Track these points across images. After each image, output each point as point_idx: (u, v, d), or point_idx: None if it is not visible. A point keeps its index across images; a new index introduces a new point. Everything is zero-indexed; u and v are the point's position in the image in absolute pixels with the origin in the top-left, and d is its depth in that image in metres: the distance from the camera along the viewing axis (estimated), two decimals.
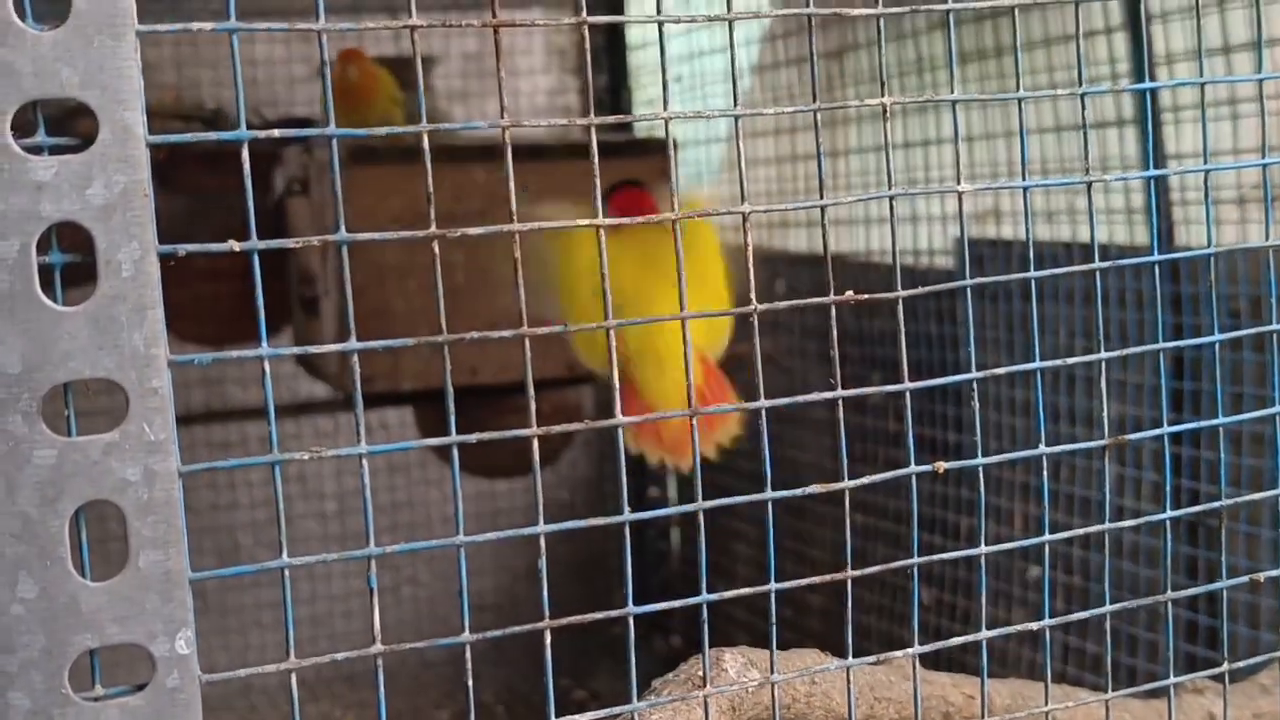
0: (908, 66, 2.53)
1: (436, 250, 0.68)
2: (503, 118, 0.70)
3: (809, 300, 0.73)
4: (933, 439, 2.44)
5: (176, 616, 0.63)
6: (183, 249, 0.63)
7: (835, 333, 0.74)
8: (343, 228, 0.66)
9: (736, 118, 0.74)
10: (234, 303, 2.68)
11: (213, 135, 0.64)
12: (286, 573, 0.65)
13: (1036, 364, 0.76)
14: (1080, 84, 0.77)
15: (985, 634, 0.77)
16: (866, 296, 0.72)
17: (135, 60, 0.61)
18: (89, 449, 0.61)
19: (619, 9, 3.18)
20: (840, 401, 0.74)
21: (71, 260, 0.63)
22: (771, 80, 2.95)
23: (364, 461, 0.67)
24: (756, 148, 3.06)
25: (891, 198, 0.73)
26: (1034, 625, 0.79)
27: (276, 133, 0.65)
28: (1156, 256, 0.82)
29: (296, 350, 0.66)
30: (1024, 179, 0.78)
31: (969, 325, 0.79)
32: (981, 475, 0.78)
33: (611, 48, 3.23)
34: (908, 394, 0.74)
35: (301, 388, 3.04)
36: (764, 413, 0.75)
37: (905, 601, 2.46)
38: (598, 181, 0.72)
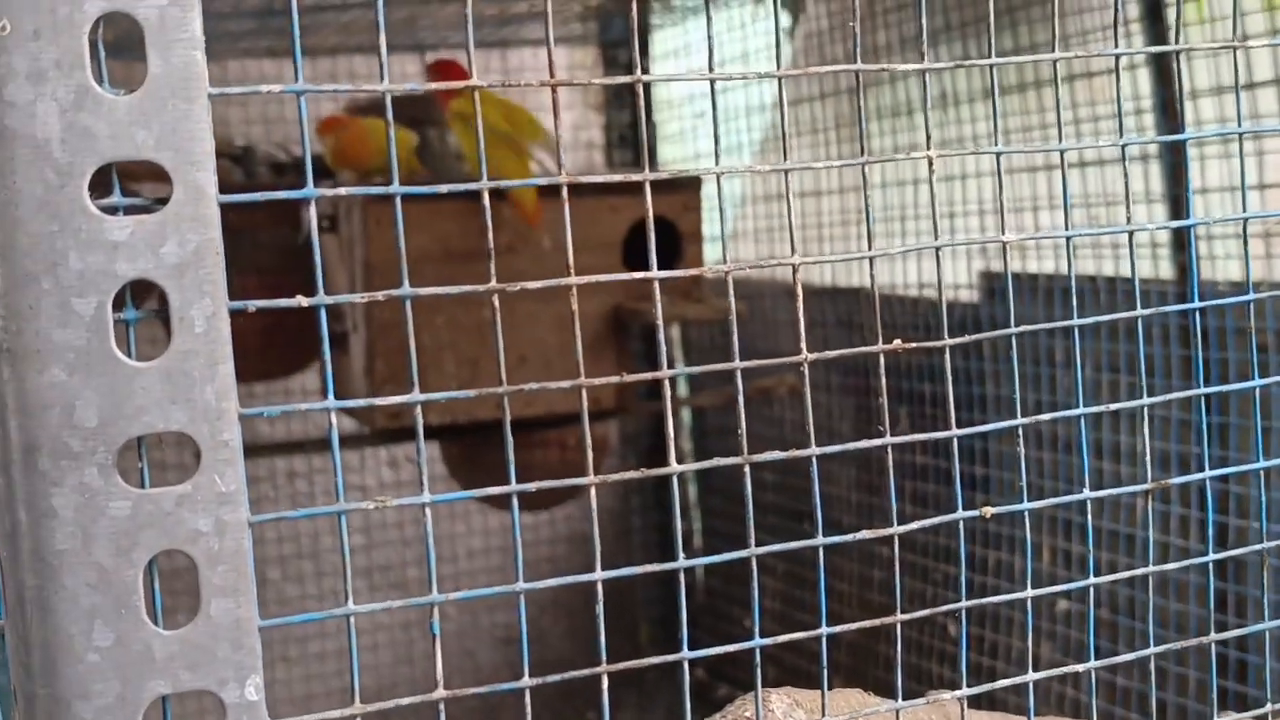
0: (934, 100, 2.55)
1: (496, 304, 0.70)
2: (560, 173, 0.72)
3: (858, 350, 0.74)
4: (961, 473, 2.45)
5: (246, 663, 0.64)
6: (253, 305, 0.65)
7: (884, 383, 0.75)
8: (406, 281, 0.68)
9: (786, 172, 0.76)
10: (259, 339, 2.71)
11: (282, 195, 0.66)
12: (352, 620, 0.67)
13: (1080, 410, 0.78)
14: (1120, 134, 0.78)
15: (1032, 675, 0.78)
16: (914, 345, 0.73)
17: (207, 122, 0.63)
18: (162, 500, 0.63)
19: (645, 43, 3.21)
20: (889, 449, 0.76)
21: (145, 317, 0.64)
22: (795, 114, 2.97)
23: (427, 511, 0.69)
24: (776, 183, 3.08)
25: (938, 248, 0.75)
26: (1079, 667, 0.80)
27: (343, 191, 0.67)
28: (1196, 303, 0.83)
29: (363, 403, 0.67)
30: (1066, 228, 0.79)
31: (1013, 371, 0.80)
32: (1027, 519, 0.79)
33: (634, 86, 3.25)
34: (955, 441, 0.75)
35: (326, 421, 3.05)
36: (814, 460, 0.76)
37: (935, 635, 2.47)
38: (651, 240, 0.74)
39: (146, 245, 0.63)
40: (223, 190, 0.64)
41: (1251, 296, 0.86)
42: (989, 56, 0.77)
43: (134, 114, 0.62)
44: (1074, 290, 0.80)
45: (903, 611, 0.79)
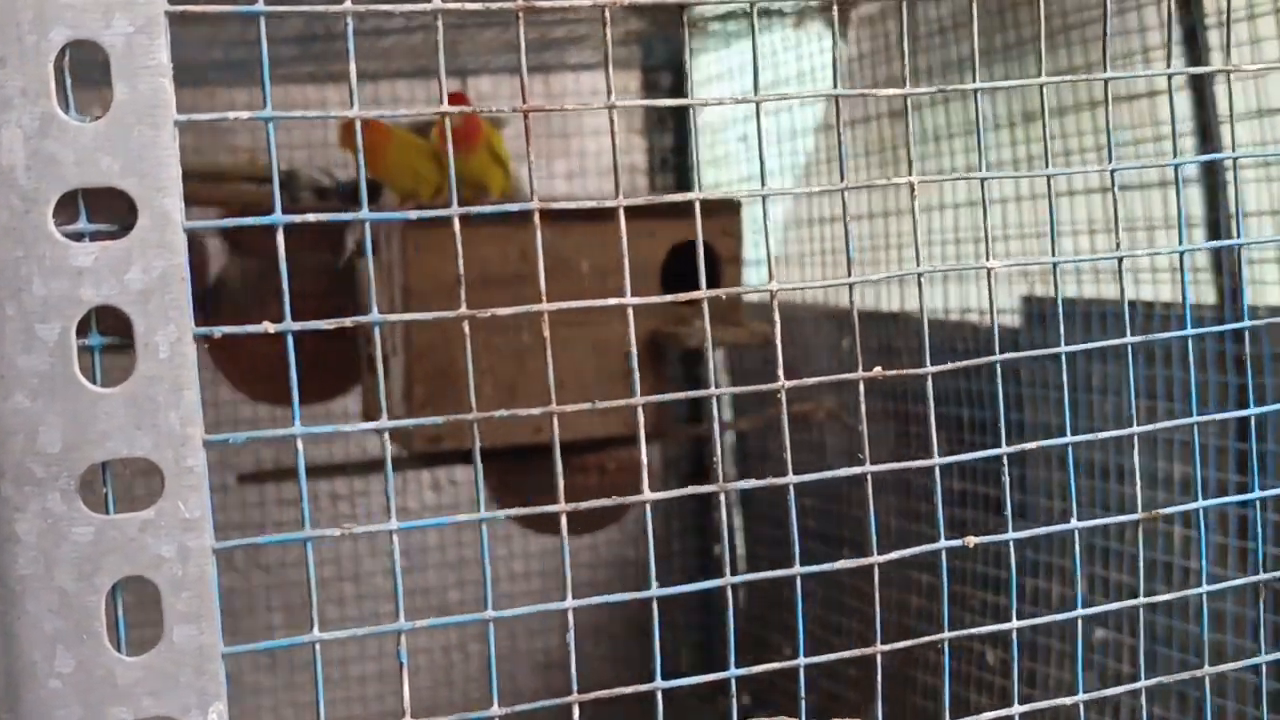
0: (955, 129, 2.54)
1: (467, 330, 0.70)
2: (617, 195, 0.72)
3: (836, 377, 0.74)
4: (998, 499, 2.43)
5: (209, 690, 0.64)
6: (218, 331, 0.65)
7: (932, 408, 0.74)
8: (374, 308, 0.68)
9: (844, 191, 0.75)
10: (303, 362, 2.72)
11: (247, 221, 0.66)
12: (317, 647, 0.67)
13: (1068, 439, 0.76)
14: (1110, 159, 0.77)
15: (1082, 696, 0.77)
16: (894, 373, 0.72)
17: (173, 148, 0.63)
18: (126, 526, 0.63)
19: (680, 70, 3.21)
20: (935, 470, 0.75)
21: (111, 343, 0.65)
22: (832, 140, 2.96)
23: (394, 538, 0.69)
24: (815, 207, 3.08)
25: (920, 274, 0.74)
26: (1134, 686, 0.78)
27: (311, 217, 0.67)
28: (1229, 325, 0.82)
29: (329, 429, 0.67)
30: (1054, 254, 0.78)
31: (1052, 395, 0.79)
32: (1077, 540, 0.77)
33: (677, 108, 3.26)
34: (1005, 459, 0.74)
35: (370, 444, 3.07)
36: (869, 477, 0.74)
37: (973, 663, 2.44)
38: (701, 257, 0.73)
39: (111, 271, 0.63)
40: (262, 213, 0.64)
41: None
42: (1038, 76, 0.76)
43: (100, 140, 0.62)
44: (1125, 310, 0.79)
45: (950, 639, 0.78)
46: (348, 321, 0.67)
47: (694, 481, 3.25)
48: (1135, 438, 0.82)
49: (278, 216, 0.66)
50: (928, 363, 0.73)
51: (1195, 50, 2.01)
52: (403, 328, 2.58)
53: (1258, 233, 1.96)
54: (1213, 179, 2.08)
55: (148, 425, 0.63)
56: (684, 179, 3.23)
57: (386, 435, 0.69)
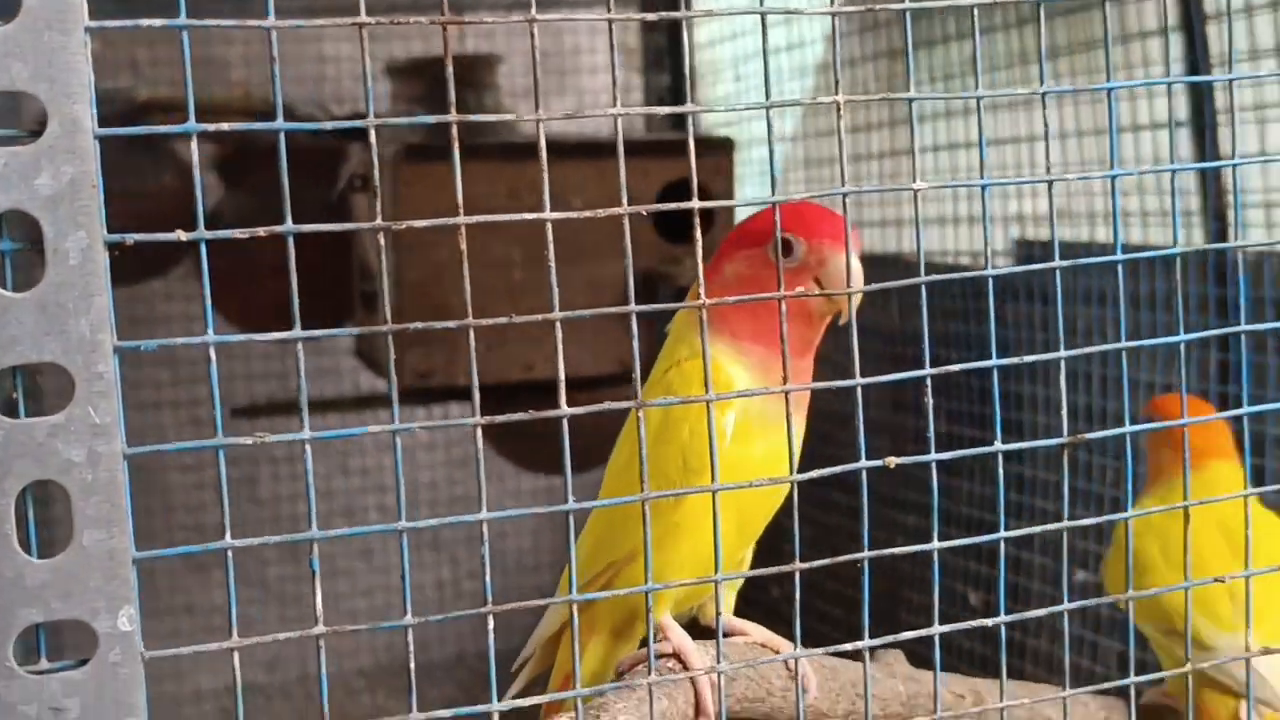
0: (966, 66, 2.53)
1: (382, 241, 0.70)
2: (616, 106, 0.71)
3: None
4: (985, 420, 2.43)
5: (119, 594, 0.65)
6: (130, 238, 0.65)
7: (930, 404, 0.74)
8: (289, 219, 0.68)
9: (838, 105, 0.75)
10: (302, 298, 2.72)
11: (162, 129, 0.66)
12: (230, 554, 0.67)
13: (994, 361, 0.77)
14: (1041, 84, 0.77)
15: (1067, 606, 0.79)
16: (880, 285, 0.72)
17: (85, 54, 0.63)
18: (34, 430, 0.64)
19: (677, 6, 3.19)
20: (927, 383, 0.75)
21: (19, 248, 0.65)
22: (840, 87, 2.94)
23: (307, 446, 0.69)
24: (823, 147, 3.06)
25: (844, 195, 0.74)
26: (1123, 597, 0.78)
27: (226, 126, 0.67)
28: (1120, 256, 0.82)
29: (232, 338, 0.67)
30: (982, 177, 0.78)
31: (1047, 333, 0.79)
32: (1001, 464, 0.78)
33: (674, 47, 3.24)
34: (995, 372, 0.74)
35: (364, 381, 3.08)
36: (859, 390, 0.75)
37: (959, 606, 2.45)
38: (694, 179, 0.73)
39: (20, 177, 0.63)
40: (258, 151, 0.64)
41: (1178, 249, 0.84)
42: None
43: (8, 46, 0.62)
44: (1117, 224, 0.79)
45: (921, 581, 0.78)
46: (261, 231, 0.67)
47: None
48: (1123, 353, 0.83)
49: (191, 125, 0.66)
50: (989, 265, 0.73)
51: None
52: (394, 264, 2.58)
53: (1242, 172, 1.95)
54: (1201, 120, 2.07)
55: (57, 331, 0.63)
56: (681, 119, 3.22)
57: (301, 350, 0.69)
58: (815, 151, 3.11)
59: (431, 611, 2.52)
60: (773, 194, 0.77)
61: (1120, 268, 0.84)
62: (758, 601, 1.18)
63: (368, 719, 2.89)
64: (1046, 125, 0.77)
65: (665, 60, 3.24)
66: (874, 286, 0.78)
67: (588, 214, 0.74)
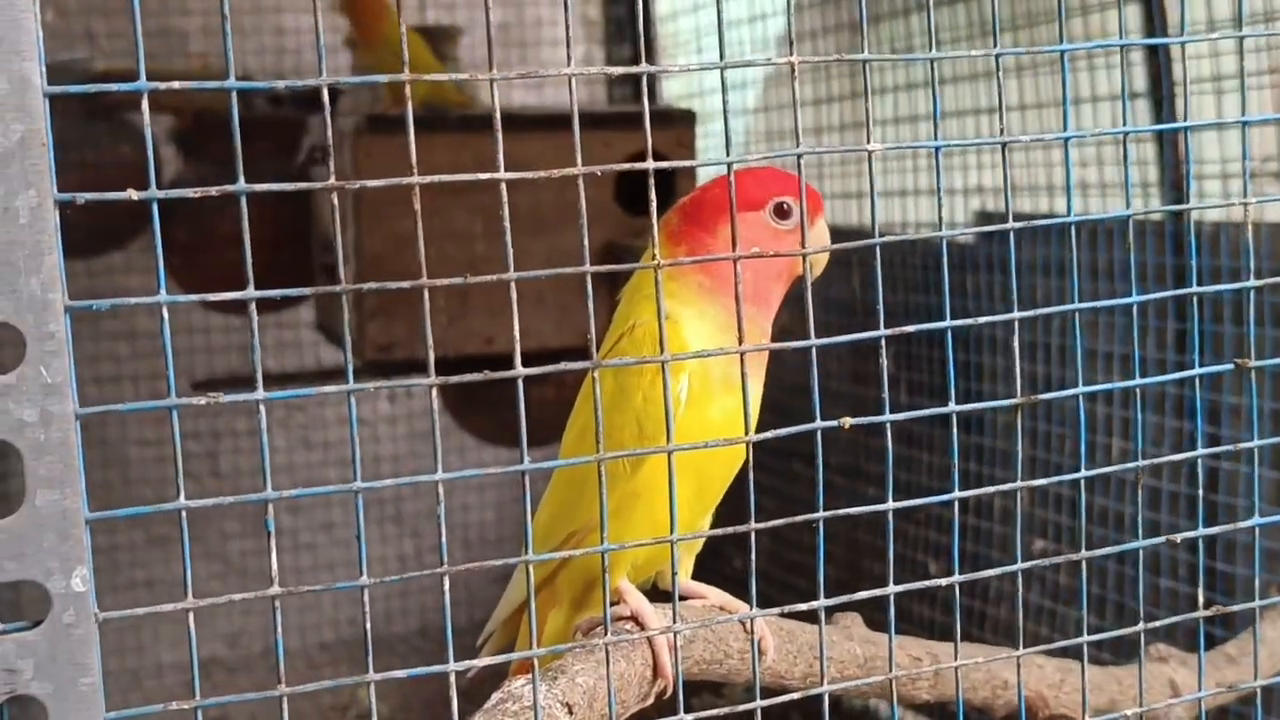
0: (958, 32, 2.55)
1: (335, 201, 0.70)
2: (570, 66, 0.71)
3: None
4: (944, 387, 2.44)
5: (73, 555, 0.65)
6: (81, 197, 0.64)
7: (885, 365, 0.74)
8: (241, 179, 0.67)
9: (793, 65, 0.75)
10: (262, 271, 2.72)
11: (113, 87, 0.66)
12: (184, 514, 0.67)
13: (948, 323, 0.77)
14: (995, 44, 0.77)
15: (1020, 565, 0.79)
16: (839, 246, 0.72)
17: (34, 12, 0.63)
18: None
19: None
20: (881, 344, 0.75)
21: None
22: (796, 51, 2.95)
23: (261, 408, 0.69)
24: (785, 120, 3.07)
25: (799, 155, 0.74)
26: (1074, 556, 0.79)
27: (177, 85, 0.66)
28: (1073, 217, 0.82)
29: (183, 298, 0.67)
30: (935, 138, 0.78)
31: (969, 307, 0.80)
32: (958, 435, 0.78)
33: (635, 20, 3.24)
34: (949, 333, 0.74)
35: (325, 355, 3.07)
36: (814, 351, 0.75)
37: (914, 574, 2.47)
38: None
39: None
40: (219, 123, 0.64)
41: (1073, 218, 0.85)
42: None
43: None
44: (1070, 191, 0.79)
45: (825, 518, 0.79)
46: (213, 191, 0.67)
47: None
48: (1076, 315, 0.84)
49: (143, 84, 0.65)
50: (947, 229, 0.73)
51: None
52: (354, 235, 2.57)
53: (1200, 144, 1.96)
54: (1159, 92, 2.08)
55: (7, 290, 0.63)
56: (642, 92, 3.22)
57: (252, 309, 0.69)
58: (777, 124, 3.12)
59: (394, 585, 2.49)
60: (728, 155, 0.76)
61: (1074, 235, 0.85)
62: (719, 573, 1.19)
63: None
64: (1000, 83, 0.77)
65: (626, 32, 3.23)
66: (836, 247, 0.78)
67: (543, 174, 0.73)
